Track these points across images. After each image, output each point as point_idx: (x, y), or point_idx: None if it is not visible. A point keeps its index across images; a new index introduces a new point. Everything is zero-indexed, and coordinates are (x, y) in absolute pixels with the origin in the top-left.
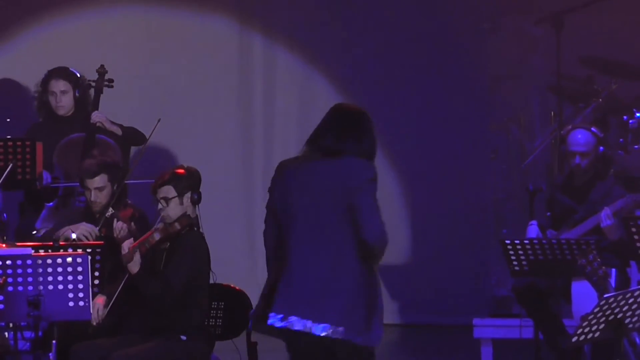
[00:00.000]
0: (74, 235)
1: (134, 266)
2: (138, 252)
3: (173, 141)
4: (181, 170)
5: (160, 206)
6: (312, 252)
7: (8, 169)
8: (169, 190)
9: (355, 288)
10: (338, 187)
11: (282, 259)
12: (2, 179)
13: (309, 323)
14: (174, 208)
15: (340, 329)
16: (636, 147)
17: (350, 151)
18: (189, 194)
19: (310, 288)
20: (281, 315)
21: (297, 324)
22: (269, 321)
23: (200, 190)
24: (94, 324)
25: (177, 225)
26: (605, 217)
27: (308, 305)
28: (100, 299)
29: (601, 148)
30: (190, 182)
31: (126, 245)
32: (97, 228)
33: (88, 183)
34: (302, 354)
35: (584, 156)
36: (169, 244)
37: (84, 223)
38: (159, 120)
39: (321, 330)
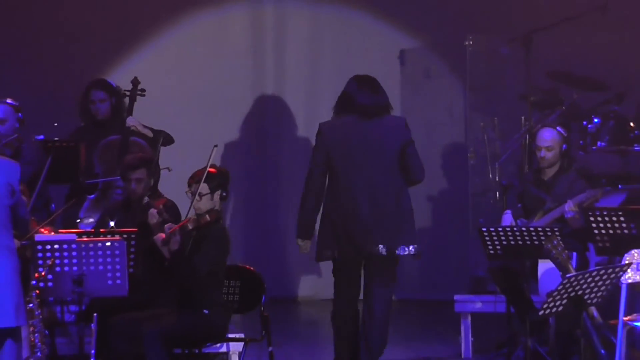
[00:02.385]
0: (111, 224)
1: (173, 245)
2: (177, 235)
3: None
4: (214, 171)
5: (193, 199)
6: (377, 189)
7: (47, 166)
8: (203, 187)
9: (411, 212)
10: (397, 140)
11: (336, 200)
12: (43, 174)
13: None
14: (205, 202)
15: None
16: (594, 148)
17: (385, 109)
18: (219, 192)
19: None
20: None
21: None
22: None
23: None
24: (167, 256)
25: (207, 217)
26: (569, 208)
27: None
28: (163, 235)
29: (564, 146)
30: (221, 182)
31: (167, 228)
32: None
33: (130, 175)
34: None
35: (548, 150)
36: (196, 232)
37: None
38: (215, 146)
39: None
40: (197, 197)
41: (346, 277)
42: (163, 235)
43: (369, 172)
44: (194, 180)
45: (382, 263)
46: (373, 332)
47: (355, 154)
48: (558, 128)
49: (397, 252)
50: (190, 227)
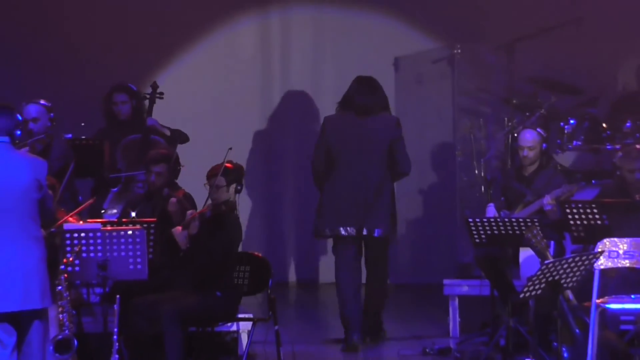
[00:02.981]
0: (133, 214)
1: (192, 230)
2: (197, 221)
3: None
4: (231, 166)
5: (211, 190)
6: (364, 177)
7: (71, 169)
8: (220, 180)
9: (391, 202)
10: (386, 137)
11: (333, 183)
12: (70, 169)
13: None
14: (222, 194)
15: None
16: (570, 147)
17: (379, 108)
18: (234, 185)
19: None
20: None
21: (365, 230)
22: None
23: None
24: (183, 247)
25: (223, 207)
26: (547, 202)
27: (368, 215)
28: (180, 228)
29: (544, 145)
30: (236, 176)
31: (189, 214)
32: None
33: (151, 168)
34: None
35: (530, 149)
36: (212, 220)
37: None
38: (230, 149)
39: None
40: (214, 188)
41: (342, 254)
42: (180, 227)
43: (360, 162)
44: (212, 173)
45: (373, 243)
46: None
47: (350, 145)
48: (538, 129)
49: (374, 234)
50: (208, 215)
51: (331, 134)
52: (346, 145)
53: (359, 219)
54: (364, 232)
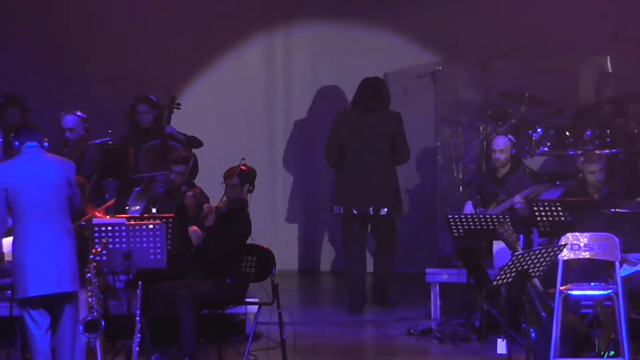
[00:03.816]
0: (154, 210)
1: (209, 222)
2: (213, 214)
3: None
4: (245, 168)
5: (226, 189)
6: (370, 165)
7: (94, 177)
8: (235, 180)
9: (396, 185)
10: (389, 130)
11: (344, 171)
12: (95, 175)
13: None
14: (236, 193)
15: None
16: (537, 152)
17: (381, 106)
18: (247, 185)
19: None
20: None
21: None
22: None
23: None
24: (195, 244)
25: (237, 204)
26: (517, 201)
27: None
28: (196, 227)
29: (514, 150)
30: (249, 177)
31: (206, 207)
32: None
33: (173, 167)
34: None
35: (501, 153)
36: (226, 215)
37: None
38: (243, 159)
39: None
40: (230, 187)
41: (349, 228)
42: (195, 227)
43: (367, 151)
44: (229, 174)
45: (379, 221)
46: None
47: (357, 137)
48: (509, 136)
49: (380, 212)
50: (223, 210)
51: (342, 128)
52: (354, 137)
53: (367, 201)
54: (371, 212)
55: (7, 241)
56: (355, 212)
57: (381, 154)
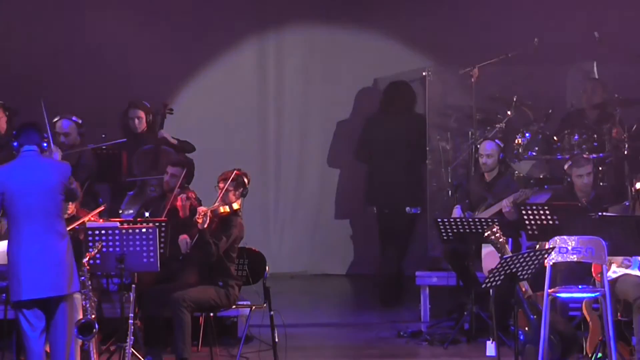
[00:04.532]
0: (147, 214)
1: (203, 224)
2: (207, 217)
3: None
4: (239, 173)
5: (221, 192)
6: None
7: (87, 182)
8: (229, 185)
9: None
10: (408, 133)
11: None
12: (86, 184)
13: None
14: (230, 197)
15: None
16: (525, 157)
17: (402, 107)
18: (241, 190)
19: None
20: None
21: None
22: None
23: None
24: (184, 252)
25: (228, 209)
26: (506, 205)
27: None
28: (185, 236)
29: (501, 155)
30: (243, 182)
31: (201, 210)
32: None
33: (168, 169)
34: None
35: (489, 157)
36: (219, 218)
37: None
38: (235, 169)
39: None
40: (224, 191)
41: (382, 228)
42: (185, 235)
43: (395, 153)
44: (223, 177)
45: (404, 220)
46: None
47: (380, 140)
48: (496, 141)
49: (406, 210)
50: (219, 212)
51: (369, 131)
52: (378, 140)
53: (397, 200)
54: (401, 211)
55: (2, 245)
56: (387, 211)
57: (400, 152)
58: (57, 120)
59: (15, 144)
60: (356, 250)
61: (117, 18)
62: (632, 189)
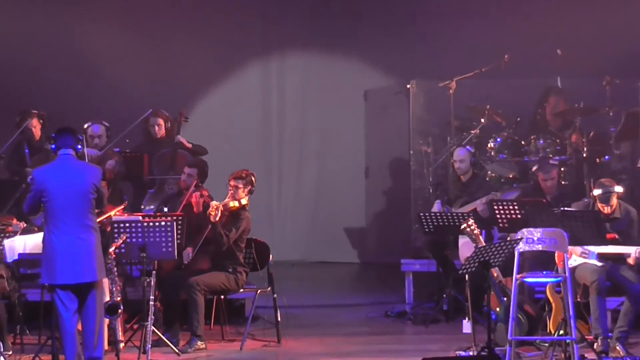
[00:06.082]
0: (165, 209)
1: (215, 217)
2: (219, 211)
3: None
4: (247, 173)
5: (232, 190)
6: None
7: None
8: (239, 183)
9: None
10: None
11: None
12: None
13: None
14: (239, 194)
15: None
16: (497, 159)
17: None
18: (249, 187)
19: None
20: None
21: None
22: None
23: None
24: (186, 262)
25: (237, 204)
26: (479, 204)
27: None
28: (189, 249)
29: (473, 159)
30: (250, 181)
31: (213, 204)
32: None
33: (185, 170)
34: None
35: (461, 162)
36: (229, 213)
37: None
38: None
39: None
40: (234, 188)
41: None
42: (189, 249)
43: None
44: (233, 177)
45: None
46: None
47: None
48: (467, 147)
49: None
50: (230, 206)
51: None
52: None
53: None
54: None
55: (36, 237)
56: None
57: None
58: (89, 126)
59: (53, 147)
60: (350, 240)
61: (138, 37)
62: (591, 194)
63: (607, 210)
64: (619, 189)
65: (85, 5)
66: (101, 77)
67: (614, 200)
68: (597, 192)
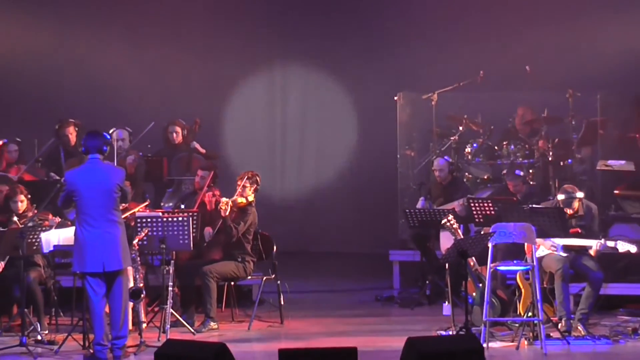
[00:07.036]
0: (182, 206)
1: (225, 212)
2: (229, 206)
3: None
4: (253, 173)
5: (239, 188)
6: None
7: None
8: (246, 182)
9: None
10: None
11: None
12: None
13: None
14: (246, 192)
15: None
16: (473, 162)
17: None
18: (255, 186)
19: None
20: None
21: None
22: None
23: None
24: (207, 240)
25: (245, 200)
26: (457, 205)
27: None
28: (209, 229)
29: (450, 167)
30: (256, 180)
31: (223, 200)
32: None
33: (199, 172)
34: None
35: (440, 171)
36: (237, 209)
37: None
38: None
39: None
40: (242, 187)
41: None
42: (209, 228)
43: None
44: (241, 177)
45: None
46: None
47: None
48: (445, 157)
49: None
50: (238, 203)
51: None
52: None
53: None
54: None
55: (69, 231)
56: None
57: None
58: (114, 131)
59: (83, 149)
60: (343, 233)
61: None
62: (556, 198)
63: (570, 212)
64: (580, 194)
65: (117, 31)
66: (127, 90)
67: (576, 204)
68: (560, 197)
